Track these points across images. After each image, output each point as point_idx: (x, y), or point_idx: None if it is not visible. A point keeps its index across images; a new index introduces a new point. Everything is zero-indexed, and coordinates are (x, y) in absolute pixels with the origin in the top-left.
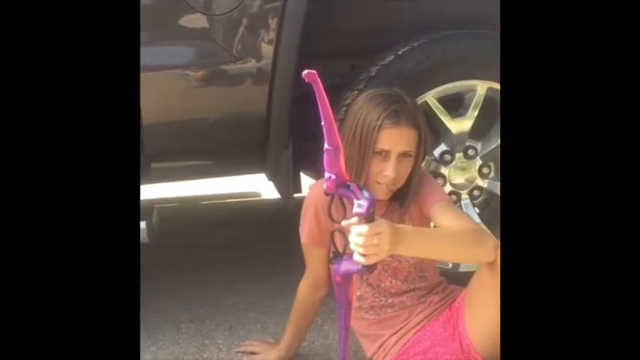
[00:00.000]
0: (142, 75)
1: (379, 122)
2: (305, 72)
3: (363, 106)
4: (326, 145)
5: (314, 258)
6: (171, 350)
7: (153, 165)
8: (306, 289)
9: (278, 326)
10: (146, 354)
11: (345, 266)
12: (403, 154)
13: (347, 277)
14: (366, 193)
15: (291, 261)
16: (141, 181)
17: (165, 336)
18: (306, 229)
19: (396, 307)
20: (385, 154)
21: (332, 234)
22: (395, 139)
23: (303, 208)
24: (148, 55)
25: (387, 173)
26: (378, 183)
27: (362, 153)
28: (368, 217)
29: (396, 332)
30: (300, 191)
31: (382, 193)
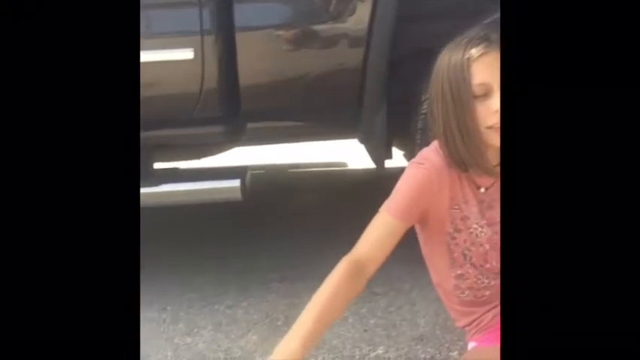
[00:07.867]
0: (237, 35)
1: (466, 56)
2: None
3: (444, 56)
4: None
5: (386, 229)
6: (260, 307)
7: (249, 125)
8: (350, 268)
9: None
10: (238, 310)
11: None
12: None
13: None
14: None
15: None
16: (236, 143)
17: (255, 293)
18: (399, 199)
19: (493, 289)
20: (486, 90)
21: None
22: (492, 66)
23: (405, 175)
24: (242, 14)
25: (495, 108)
26: (490, 127)
27: (458, 102)
28: None
29: (493, 308)
30: (391, 157)
31: (498, 139)
